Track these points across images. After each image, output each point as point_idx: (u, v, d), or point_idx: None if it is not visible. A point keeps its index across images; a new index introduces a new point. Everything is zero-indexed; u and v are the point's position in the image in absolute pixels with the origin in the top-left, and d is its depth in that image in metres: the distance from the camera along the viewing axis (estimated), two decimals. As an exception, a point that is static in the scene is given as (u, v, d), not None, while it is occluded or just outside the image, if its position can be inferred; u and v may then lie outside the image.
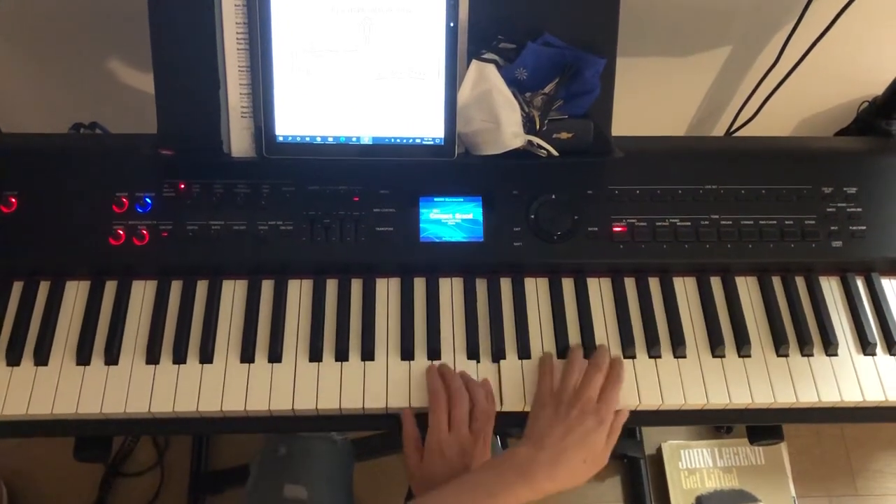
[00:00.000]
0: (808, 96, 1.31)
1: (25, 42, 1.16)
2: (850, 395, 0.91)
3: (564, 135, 0.95)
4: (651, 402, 0.89)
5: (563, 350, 0.91)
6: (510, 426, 0.91)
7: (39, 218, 0.92)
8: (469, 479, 0.79)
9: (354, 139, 0.94)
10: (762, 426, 0.95)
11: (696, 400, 0.89)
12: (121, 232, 0.91)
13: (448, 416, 0.85)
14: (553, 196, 0.95)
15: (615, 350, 0.92)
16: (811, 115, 1.37)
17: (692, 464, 1.64)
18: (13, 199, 0.92)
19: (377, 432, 1.37)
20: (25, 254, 0.91)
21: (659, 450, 1.65)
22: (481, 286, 0.95)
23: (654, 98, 1.31)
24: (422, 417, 0.87)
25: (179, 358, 0.89)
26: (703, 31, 1.19)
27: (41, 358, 0.88)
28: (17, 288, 0.92)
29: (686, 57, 1.23)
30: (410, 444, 0.86)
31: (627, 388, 0.89)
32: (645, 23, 1.13)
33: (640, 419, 0.90)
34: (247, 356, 0.89)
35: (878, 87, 1.17)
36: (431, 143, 0.94)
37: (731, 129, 1.29)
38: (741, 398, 0.90)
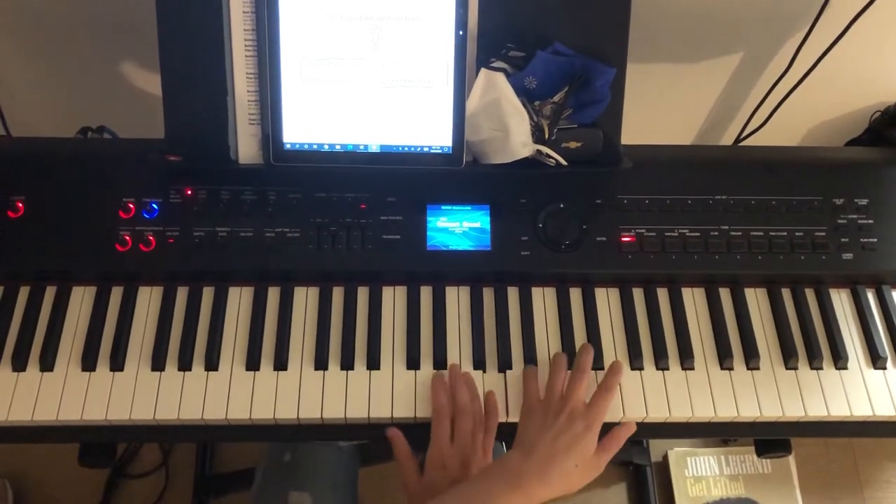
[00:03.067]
0: (819, 105, 1.30)
1: (34, 46, 1.16)
2: (860, 409, 0.90)
3: (573, 144, 0.94)
4: (658, 414, 0.88)
5: (570, 361, 0.90)
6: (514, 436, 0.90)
7: (46, 223, 0.92)
8: (461, 490, 0.78)
9: (362, 147, 0.93)
10: (770, 439, 0.94)
11: (703, 412, 0.89)
12: (127, 238, 0.91)
13: (452, 429, 0.85)
14: (561, 205, 0.95)
15: (623, 361, 0.91)
16: (822, 124, 1.36)
17: (698, 471, 1.63)
18: (20, 204, 0.92)
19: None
20: (32, 258, 0.91)
21: (665, 457, 1.64)
22: (488, 295, 0.94)
23: (662, 105, 1.30)
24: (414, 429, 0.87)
25: (185, 365, 0.88)
26: (713, 37, 1.18)
27: (47, 364, 0.88)
28: (24, 293, 0.92)
29: (695, 64, 1.23)
30: (404, 458, 0.86)
31: (634, 399, 0.89)
32: (654, 29, 1.12)
33: (647, 431, 0.90)
34: (252, 364, 0.89)
35: (891, 97, 1.17)
36: (439, 151, 0.94)
37: (741, 137, 1.28)
38: (749, 411, 0.89)
